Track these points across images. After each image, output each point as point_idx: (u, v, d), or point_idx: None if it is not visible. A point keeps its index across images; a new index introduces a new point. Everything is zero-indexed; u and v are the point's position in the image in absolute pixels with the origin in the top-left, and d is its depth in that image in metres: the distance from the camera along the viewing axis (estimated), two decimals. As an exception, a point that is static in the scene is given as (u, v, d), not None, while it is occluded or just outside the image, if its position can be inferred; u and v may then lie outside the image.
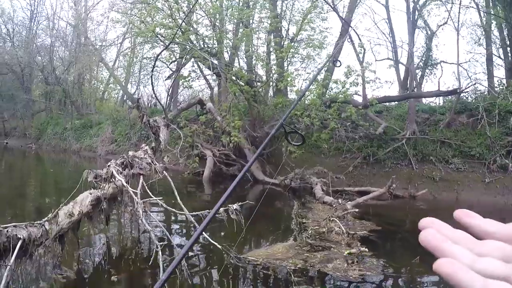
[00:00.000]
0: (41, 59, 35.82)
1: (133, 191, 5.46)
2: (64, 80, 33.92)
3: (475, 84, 18.85)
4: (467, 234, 0.57)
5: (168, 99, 28.79)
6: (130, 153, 7.05)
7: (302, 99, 14.84)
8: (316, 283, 5.34)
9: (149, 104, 28.79)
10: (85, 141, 28.73)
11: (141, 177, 6.51)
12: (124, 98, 32.78)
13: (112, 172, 5.75)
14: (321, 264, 5.88)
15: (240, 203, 5.63)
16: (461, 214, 0.60)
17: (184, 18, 14.34)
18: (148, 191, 6.17)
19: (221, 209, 5.63)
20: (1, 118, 38.09)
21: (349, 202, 10.10)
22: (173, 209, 6.03)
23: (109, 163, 6.19)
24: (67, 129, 30.97)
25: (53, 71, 34.33)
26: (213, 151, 15.47)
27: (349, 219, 9.00)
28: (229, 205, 5.57)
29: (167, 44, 15.95)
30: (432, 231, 0.57)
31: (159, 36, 16.90)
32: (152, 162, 7.06)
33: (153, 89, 19.90)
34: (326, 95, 14.66)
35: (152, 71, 11.84)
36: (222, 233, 7.41)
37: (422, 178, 14.69)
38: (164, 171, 7.09)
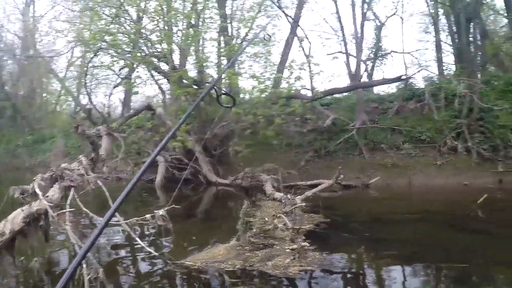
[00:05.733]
0: (-11, 74, 34.73)
1: (48, 204, 5.18)
2: (13, 95, 32.98)
3: (420, 70, 19.24)
4: None
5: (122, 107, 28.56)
6: (63, 165, 6.78)
7: (247, 96, 14.80)
8: (253, 282, 5.20)
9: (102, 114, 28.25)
10: (39, 156, 28.00)
11: (72, 189, 6.26)
12: (77, 110, 32.00)
13: (34, 187, 5.50)
14: (261, 263, 5.74)
15: (166, 208, 5.44)
16: None
17: (112, 21, 14.01)
18: (80, 203, 5.93)
19: (148, 215, 5.44)
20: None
21: (298, 196, 10.02)
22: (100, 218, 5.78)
23: (35, 177, 5.94)
24: (19, 145, 30.12)
25: (2, 86, 33.37)
26: (165, 157, 15.21)
27: (298, 213, 8.91)
28: (155, 211, 5.37)
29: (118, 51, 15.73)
30: None
31: (103, 43, 16.54)
32: (86, 173, 6.79)
33: (89, 97, 19.52)
34: (271, 91, 14.51)
35: (85, 78, 11.57)
36: (166, 239, 7.26)
37: (374, 166, 14.82)
38: (98, 181, 6.81)
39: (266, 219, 8.38)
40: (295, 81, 14.49)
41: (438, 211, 10.73)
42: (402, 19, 19.43)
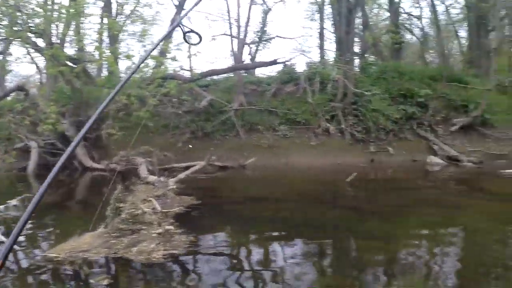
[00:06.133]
0: None
1: None
2: None
3: (298, 55, 19.96)
4: None
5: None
6: None
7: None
8: (117, 270, 5.16)
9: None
10: None
11: None
12: None
13: None
14: (126, 250, 5.66)
15: (18, 198, 5.26)
16: None
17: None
18: None
19: (1, 206, 5.25)
20: None
21: (172, 179, 10.04)
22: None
23: None
24: None
25: None
26: (37, 142, 14.39)
27: (170, 196, 8.92)
28: (8, 201, 5.19)
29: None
30: None
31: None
32: None
33: None
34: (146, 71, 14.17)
35: None
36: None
37: (251, 147, 15.18)
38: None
39: (137, 203, 8.31)
40: (172, 61, 14.37)
41: (311, 189, 11.30)
42: (285, 3, 19.91)
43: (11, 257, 5.82)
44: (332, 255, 6.00)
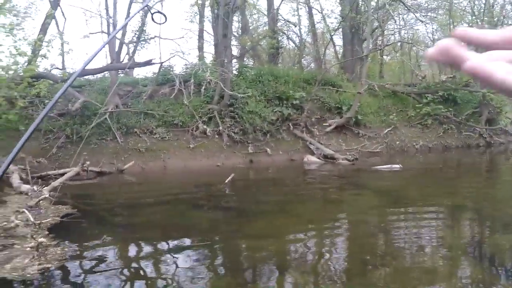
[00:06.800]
0: None
1: None
2: None
3: (173, 56, 19.93)
4: None
5: None
6: None
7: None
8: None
9: None
10: None
11: None
12: None
13: None
14: (-2, 267, 5.40)
15: None
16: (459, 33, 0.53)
17: None
18: None
19: None
20: None
21: (46, 187, 9.65)
22: None
23: None
24: None
25: None
26: None
27: (45, 206, 8.60)
28: None
29: None
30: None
31: None
32: None
33: None
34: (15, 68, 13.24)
35: None
36: None
37: (128, 151, 14.94)
38: None
39: (9, 216, 7.90)
40: (42, 59, 13.62)
41: (189, 192, 11.45)
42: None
43: None
44: (222, 257, 6.18)
